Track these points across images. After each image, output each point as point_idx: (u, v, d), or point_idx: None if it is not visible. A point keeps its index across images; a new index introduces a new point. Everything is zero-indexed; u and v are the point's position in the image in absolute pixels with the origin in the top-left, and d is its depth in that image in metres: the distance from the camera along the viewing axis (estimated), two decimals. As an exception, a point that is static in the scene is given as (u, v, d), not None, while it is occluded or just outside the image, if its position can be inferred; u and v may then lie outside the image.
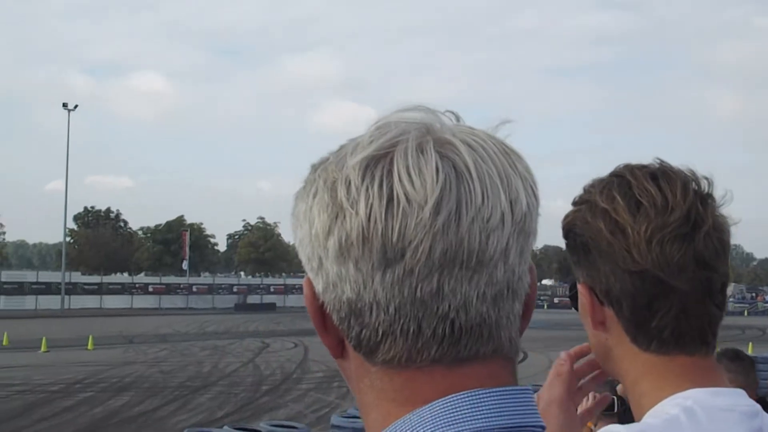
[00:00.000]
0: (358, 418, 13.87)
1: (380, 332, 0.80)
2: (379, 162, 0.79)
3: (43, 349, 34.51)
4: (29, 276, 74.16)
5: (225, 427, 12.10)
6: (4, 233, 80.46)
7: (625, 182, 1.36)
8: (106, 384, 23.97)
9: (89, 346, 35.69)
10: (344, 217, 0.79)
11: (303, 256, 0.85)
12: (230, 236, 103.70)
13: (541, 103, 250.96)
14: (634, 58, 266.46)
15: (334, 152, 0.85)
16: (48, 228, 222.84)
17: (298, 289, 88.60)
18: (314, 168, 0.86)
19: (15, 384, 23.63)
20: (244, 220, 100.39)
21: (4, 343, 36.32)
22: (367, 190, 0.78)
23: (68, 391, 22.37)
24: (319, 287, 0.84)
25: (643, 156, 1.39)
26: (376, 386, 0.84)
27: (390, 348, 0.81)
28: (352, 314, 0.82)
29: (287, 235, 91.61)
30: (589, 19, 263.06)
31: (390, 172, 0.78)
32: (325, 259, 0.81)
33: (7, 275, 71.44)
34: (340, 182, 0.80)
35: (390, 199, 0.77)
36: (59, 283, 69.44)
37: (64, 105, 66.33)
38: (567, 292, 1.65)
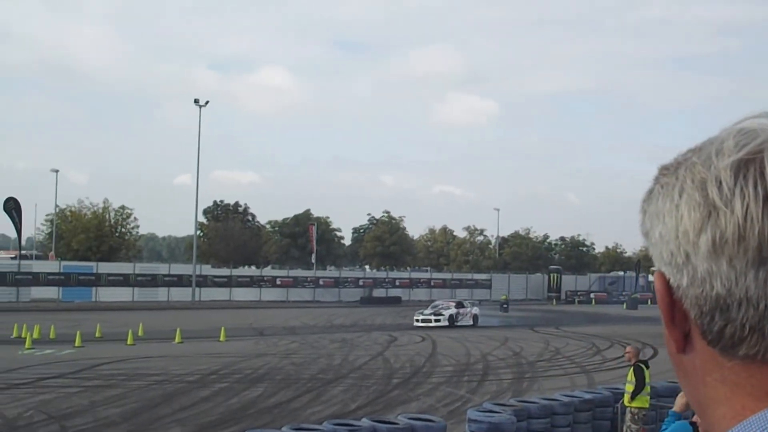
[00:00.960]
0: (494, 412, 13.74)
1: (747, 328, 0.81)
2: (749, 165, 0.81)
3: (177, 340, 35.36)
4: (161, 268, 76.02)
5: (363, 419, 12.10)
6: (137, 227, 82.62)
7: None
8: (241, 375, 24.37)
9: (221, 338, 36.41)
10: (718, 215, 0.80)
11: (663, 252, 0.86)
12: (355, 230, 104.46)
13: (668, 93, 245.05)
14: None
15: (689, 153, 0.87)
16: (177, 221, 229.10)
17: (423, 283, 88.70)
18: (669, 168, 0.88)
19: (153, 374, 24.23)
20: (369, 214, 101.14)
21: (139, 333, 37.31)
22: (741, 190, 0.80)
23: (204, 382, 22.83)
24: (682, 282, 0.85)
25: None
26: (729, 381, 0.84)
27: (756, 343, 0.81)
28: (717, 309, 0.82)
29: (412, 229, 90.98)
30: (714, 8, 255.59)
31: (762, 174, 0.80)
32: (693, 256, 0.83)
33: (141, 268, 73.37)
34: (710, 182, 0.82)
35: (766, 200, 0.79)
36: (190, 276, 71.07)
37: (196, 101, 67.76)
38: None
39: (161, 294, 68.98)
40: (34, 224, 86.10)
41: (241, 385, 22.20)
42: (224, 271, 77.53)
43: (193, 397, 19.97)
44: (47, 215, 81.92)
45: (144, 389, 21.30)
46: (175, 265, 79.67)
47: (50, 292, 64.05)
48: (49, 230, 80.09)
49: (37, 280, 64.37)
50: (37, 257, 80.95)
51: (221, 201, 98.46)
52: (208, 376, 24.11)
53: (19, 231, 70.44)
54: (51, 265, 68.13)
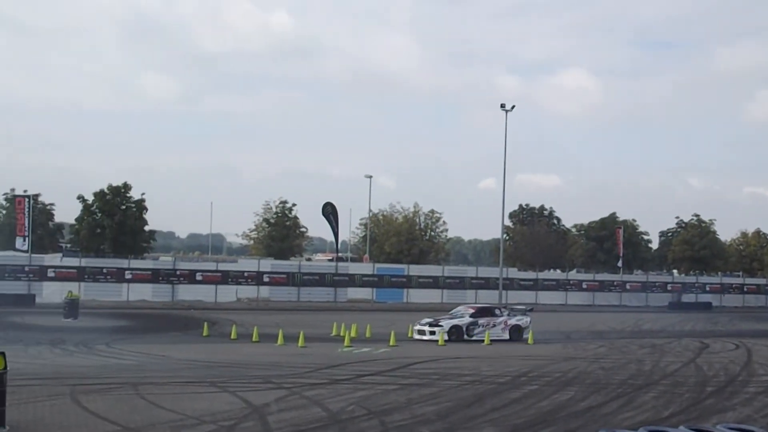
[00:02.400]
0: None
1: None
2: None
3: (486, 342, 36.11)
4: (469, 271, 77.60)
5: (681, 428, 11.98)
6: (446, 230, 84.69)
7: None
8: (550, 378, 24.57)
9: (530, 341, 36.79)
10: None
11: None
12: (663, 233, 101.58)
13: None
14: None
15: None
16: (482, 225, 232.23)
17: (735, 289, 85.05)
18: None
19: (465, 374, 24.92)
20: (677, 217, 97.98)
21: (440, 342, 38.35)
22: None
23: (515, 384, 23.20)
24: None
25: None
26: None
27: None
28: None
29: (722, 232, 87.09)
30: None
31: None
32: None
33: (449, 270, 75.28)
34: None
35: None
36: (497, 279, 71.99)
37: (502, 106, 68.45)
38: None
39: (469, 296, 70.29)
40: (349, 228, 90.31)
41: (550, 388, 22.40)
42: (530, 275, 77.96)
43: (504, 399, 20.38)
44: (361, 219, 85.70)
45: (456, 389, 21.96)
46: (482, 268, 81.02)
47: (365, 293, 67.06)
48: (364, 234, 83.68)
49: (353, 281, 67.64)
50: (353, 260, 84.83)
51: (527, 204, 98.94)
52: (518, 378, 24.49)
53: (336, 234, 74.32)
54: (365, 267, 71.28)
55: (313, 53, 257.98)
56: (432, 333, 36.54)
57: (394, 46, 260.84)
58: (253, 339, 34.79)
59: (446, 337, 36.12)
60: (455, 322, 37.60)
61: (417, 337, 37.04)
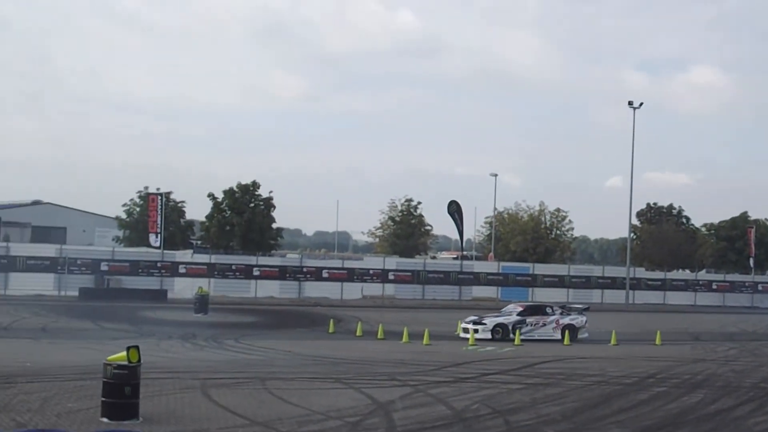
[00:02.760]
0: None
1: None
2: None
3: (612, 342, 35.59)
4: (595, 270, 76.61)
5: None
6: (572, 229, 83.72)
7: None
8: (678, 380, 24.09)
9: (657, 341, 36.12)
10: None
11: None
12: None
13: None
14: None
15: None
16: (608, 223, 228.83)
17: None
18: None
19: (591, 375, 24.65)
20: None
21: (566, 341, 37.96)
22: None
23: (642, 385, 22.84)
24: None
25: None
26: None
27: None
28: None
29: None
30: None
31: None
32: None
33: (575, 269, 74.45)
34: None
35: None
36: (624, 278, 70.95)
37: (630, 103, 67.60)
38: None
39: (594, 296, 69.49)
40: (474, 226, 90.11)
41: (679, 390, 21.98)
42: (658, 275, 76.49)
43: (631, 400, 20.09)
44: (486, 218, 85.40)
45: (582, 389, 21.74)
46: (608, 268, 79.88)
47: (490, 292, 66.85)
48: (488, 232, 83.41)
49: (477, 279, 67.52)
50: (477, 258, 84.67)
51: (654, 203, 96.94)
52: (645, 379, 24.10)
53: (461, 233, 74.25)
54: (490, 266, 71.08)
55: (437, 51, 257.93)
56: (475, 331, 35.30)
57: (520, 42, 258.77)
58: (378, 336, 35.10)
59: (489, 336, 35.08)
60: (500, 320, 36.34)
61: (463, 335, 35.79)
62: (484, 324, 35.82)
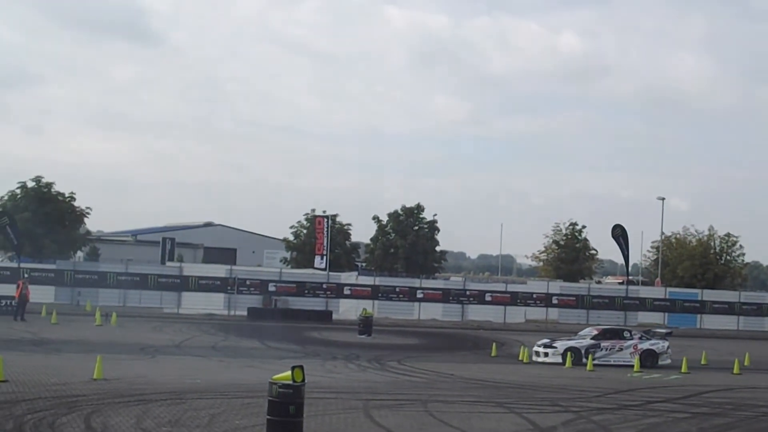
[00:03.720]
0: None
1: None
2: None
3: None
4: (767, 297, 73.82)
5: None
6: (743, 254, 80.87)
7: None
8: None
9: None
10: None
11: None
12: None
13: None
14: None
15: None
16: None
17: None
18: None
19: (762, 405, 23.86)
20: None
21: (745, 362, 36.78)
22: None
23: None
24: None
25: None
26: None
27: None
28: None
29: None
30: None
31: None
32: None
33: (746, 296, 71.84)
34: None
35: None
36: (799, 306, 68.10)
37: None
38: None
39: (767, 323, 66.95)
40: (640, 251, 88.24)
41: None
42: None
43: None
44: (653, 242, 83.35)
45: (752, 420, 21.09)
46: (781, 295, 76.79)
47: (656, 317, 65.25)
48: (655, 257, 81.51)
49: (643, 305, 66.00)
50: (643, 283, 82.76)
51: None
52: (820, 411, 23.18)
53: (626, 257, 72.80)
54: (657, 291, 69.39)
55: (602, 73, 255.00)
56: (546, 354, 34.56)
57: (686, 63, 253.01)
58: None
59: (560, 360, 33.78)
60: (572, 343, 35.09)
61: (534, 358, 34.73)
62: (555, 348, 34.87)
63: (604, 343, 35.18)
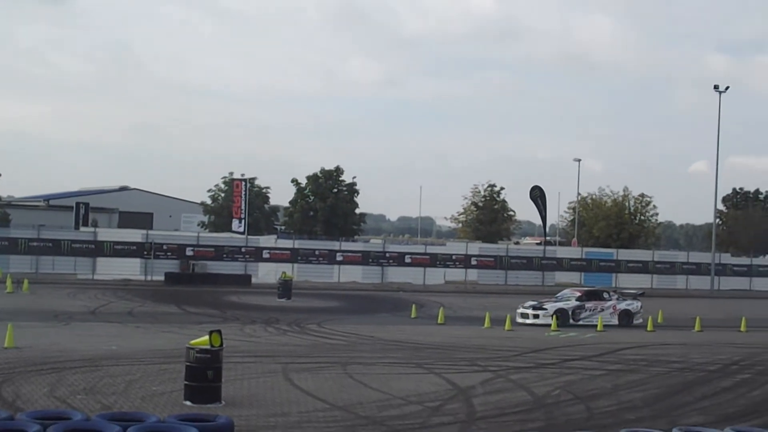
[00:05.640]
0: None
1: None
2: None
3: (696, 328, 35.07)
4: (680, 256, 75.31)
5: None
6: (656, 215, 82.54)
7: None
8: (763, 367, 23.72)
9: (742, 328, 35.50)
10: None
11: None
12: None
13: None
14: None
15: None
16: (694, 209, 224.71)
17: None
18: None
19: (674, 361, 24.40)
20: None
21: (659, 320, 37.61)
22: None
23: (726, 372, 22.55)
24: None
25: None
26: None
27: None
28: None
29: None
30: None
31: None
32: None
33: (659, 255, 73.30)
34: None
35: None
36: (709, 264, 69.68)
37: (715, 87, 66.28)
38: None
39: (679, 281, 68.44)
40: (558, 212, 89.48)
41: (763, 377, 21.65)
42: (744, 260, 74.90)
43: (714, 387, 19.87)
44: (570, 203, 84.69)
45: (664, 376, 21.55)
46: (693, 253, 78.45)
47: (573, 277, 66.29)
48: (572, 218, 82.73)
49: (560, 265, 66.90)
50: (561, 243, 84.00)
51: (740, 188, 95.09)
52: (729, 366, 23.77)
53: (543, 218, 73.79)
54: (573, 251, 70.46)
55: (516, 35, 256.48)
56: (535, 317, 35.05)
57: (600, 26, 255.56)
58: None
59: (550, 321, 34.17)
60: (560, 305, 35.71)
61: (520, 320, 35.09)
62: (545, 309, 35.30)
63: (588, 304, 36.20)
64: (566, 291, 39.04)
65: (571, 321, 35.22)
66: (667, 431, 10.38)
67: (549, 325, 33.96)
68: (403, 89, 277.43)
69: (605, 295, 37.42)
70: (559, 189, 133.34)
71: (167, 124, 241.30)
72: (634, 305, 37.22)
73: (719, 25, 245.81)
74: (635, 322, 36.44)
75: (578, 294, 37.35)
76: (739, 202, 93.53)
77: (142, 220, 79.17)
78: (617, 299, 37.29)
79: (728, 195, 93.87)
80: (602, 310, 36.11)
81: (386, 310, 41.29)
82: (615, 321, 35.84)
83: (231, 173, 68.21)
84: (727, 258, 74.17)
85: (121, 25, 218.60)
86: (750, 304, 54.13)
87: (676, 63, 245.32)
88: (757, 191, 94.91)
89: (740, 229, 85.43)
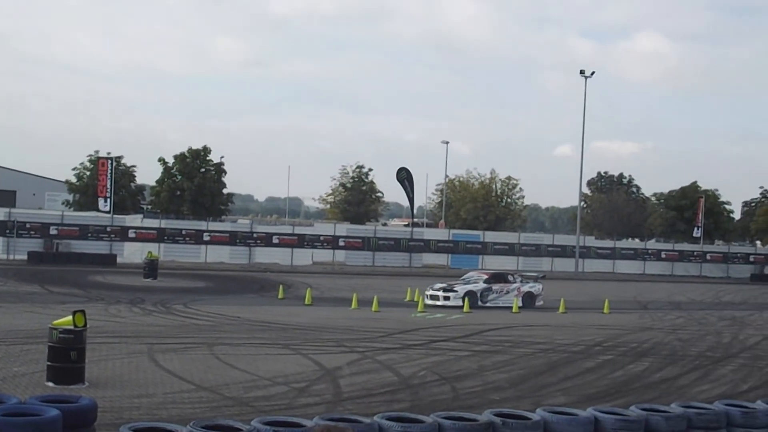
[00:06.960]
0: None
1: None
2: None
3: (561, 309, 35.80)
4: (545, 239, 76.99)
5: (758, 402, 11.74)
6: (523, 197, 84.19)
7: None
8: (625, 348, 24.32)
9: (605, 310, 36.40)
10: None
11: None
12: (746, 204, 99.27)
13: None
14: None
15: None
16: (560, 192, 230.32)
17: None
18: None
19: (538, 342, 24.80)
20: (761, 187, 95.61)
21: (515, 309, 38.26)
22: None
23: (589, 353, 23.02)
24: None
25: None
26: None
27: None
28: None
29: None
30: None
31: None
32: None
33: (525, 237, 74.77)
34: None
35: None
36: (574, 246, 71.39)
37: (581, 72, 67.66)
38: None
39: (544, 264, 69.89)
40: (425, 193, 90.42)
41: (626, 358, 22.18)
42: (608, 243, 77.09)
43: (577, 368, 20.25)
44: (437, 185, 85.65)
45: (529, 357, 21.87)
46: (558, 236, 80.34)
47: (440, 259, 67.07)
48: (439, 199, 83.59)
49: (428, 246, 67.62)
50: (428, 225, 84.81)
51: (605, 172, 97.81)
52: (592, 347, 24.29)
53: (411, 200, 74.25)
54: (441, 233, 71.22)
55: (385, 16, 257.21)
56: (446, 299, 35.36)
57: (467, 8, 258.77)
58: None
59: (461, 303, 34.79)
60: (470, 287, 36.19)
61: (429, 302, 35.31)
62: (456, 291, 35.68)
63: (495, 287, 36.75)
64: (472, 273, 39.50)
65: (479, 303, 35.68)
66: (531, 411, 10.43)
67: (460, 307, 34.40)
68: (270, 69, 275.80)
69: (510, 278, 38.01)
70: (427, 171, 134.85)
71: (31, 102, 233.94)
72: (536, 287, 37.94)
73: (584, 12, 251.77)
74: (537, 303, 37.21)
75: (485, 276, 37.83)
76: (604, 185, 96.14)
77: (4, 197, 76.47)
78: (521, 282, 37.89)
79: (593, 179, 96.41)
80: (508, 292, 36.76)
81: (253, 291, 40.94)
82: (520, 303, 36.18)
83: (96, 151, 66.39)
84: (591, 241, 76.24)
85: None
86: (613, 286, 55.74)
87: (542, 47, 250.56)
88: (620, 175, 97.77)
89: (604, 213, 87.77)
